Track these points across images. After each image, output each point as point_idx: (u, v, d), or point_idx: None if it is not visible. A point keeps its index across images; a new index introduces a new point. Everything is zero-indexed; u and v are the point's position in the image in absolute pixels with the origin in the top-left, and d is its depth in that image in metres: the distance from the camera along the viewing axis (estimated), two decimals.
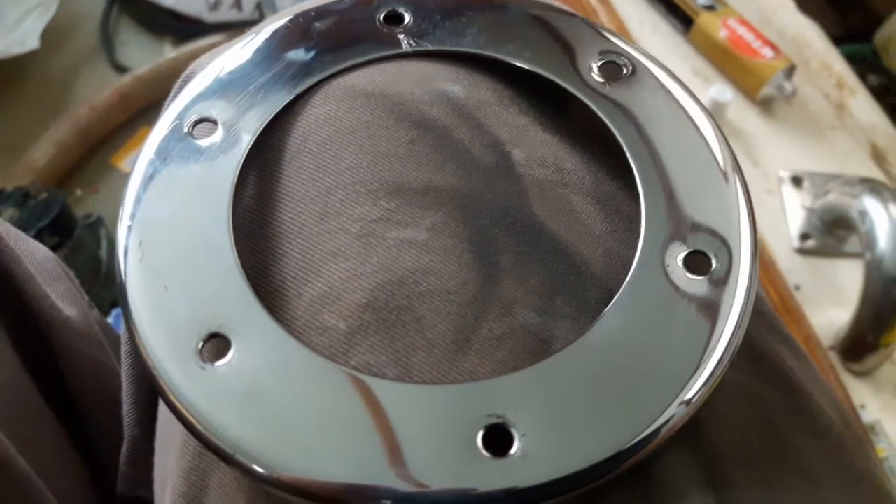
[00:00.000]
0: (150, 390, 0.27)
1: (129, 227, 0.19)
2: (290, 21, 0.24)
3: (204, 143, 0.21)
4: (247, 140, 0.21)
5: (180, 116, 0.21)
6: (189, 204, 0.20)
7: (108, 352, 0.31)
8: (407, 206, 0.20)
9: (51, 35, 1.06)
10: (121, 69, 1.08)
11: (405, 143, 0.22)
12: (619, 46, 0.23)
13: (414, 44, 0.24)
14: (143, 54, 1.11)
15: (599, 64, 0.23)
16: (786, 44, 0.69)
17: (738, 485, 0.19)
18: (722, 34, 0.65)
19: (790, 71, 0.64)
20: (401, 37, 0.24)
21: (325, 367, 0.17)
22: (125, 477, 0.27)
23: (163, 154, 0.21)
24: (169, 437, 0.22)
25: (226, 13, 1.07)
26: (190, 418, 0.16)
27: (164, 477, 0.21)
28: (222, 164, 0.20)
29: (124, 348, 0.27)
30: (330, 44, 0.24)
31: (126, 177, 0.20)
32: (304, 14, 0.24)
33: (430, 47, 0.24)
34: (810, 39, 0.71)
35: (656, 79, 0.22)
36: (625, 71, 0.23)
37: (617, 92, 0.22)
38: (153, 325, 0.18)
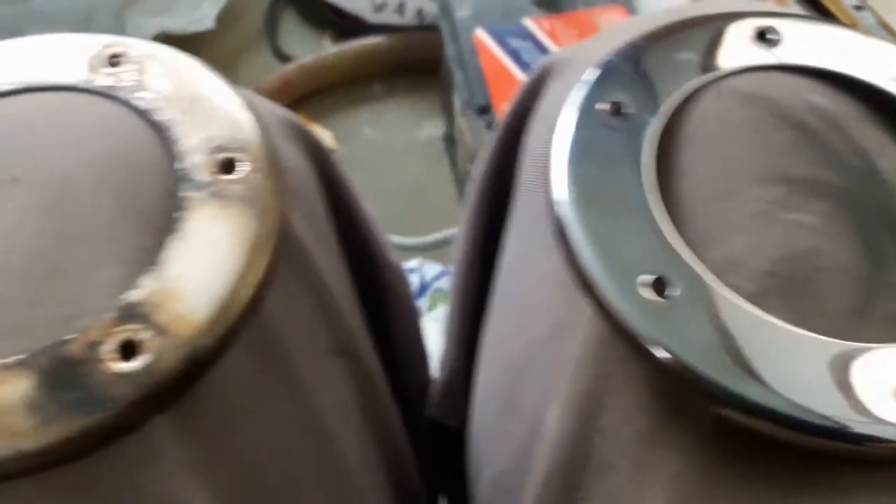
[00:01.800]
0: (472, 330, 0.30)
1: (568, 178, 0.22)
2: (676, 23, 0.27)
3: (618, 122, 0.24)
4: (656, 123, 0.24)
5: (594, 98, 0.24)
6: (613, 171, 0.23)
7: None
8: (797, 194, 0.23)
9: (223, 17, 1.13)
10: (282, 57, 1.14)
11: (788, 140, 0.25)
12: None
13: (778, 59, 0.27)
14: (303, 45, 1.17)
15: None
16: None
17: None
18: None
19: None
20: (769, 51, 0.27)
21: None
22: (438, 405, 0.30)
23: (583, 127, 0.24)
24: (534, 370, 0.25)
25: (388, 16, 1.12)
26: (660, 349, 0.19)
27: (524, 403, 0.24)
28: (635, 141, 0.24)
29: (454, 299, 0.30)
30: (710, 50, 0.27)
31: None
32: (681, 22, 0.27)
33: (796, 62, 0.27)
34: None
35: None
36: None
37: None
38: (599, 265, 0.21)
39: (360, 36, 1.14)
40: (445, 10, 0.88)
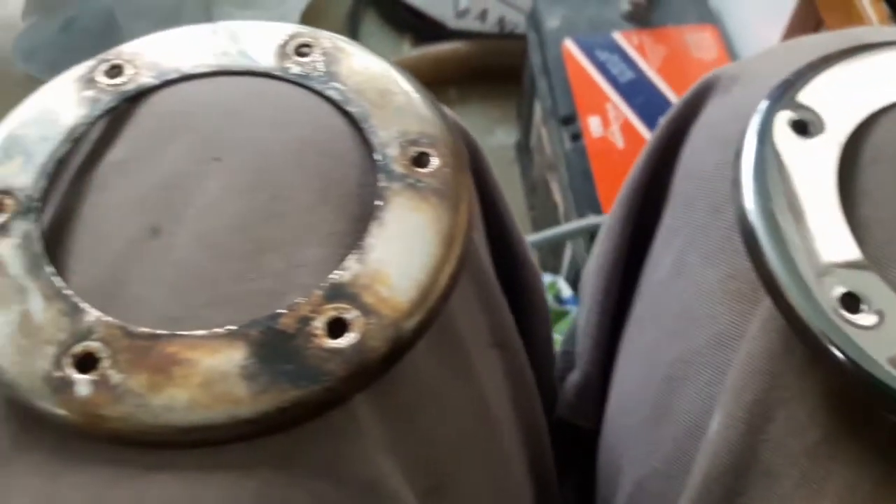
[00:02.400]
0: (611, 335, 0.31)
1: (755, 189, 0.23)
2: (849, 48, 0.27)
3: (801, 140, 0.24)
4: (838, 143, 0.24)
5: (777, 114, 0.24)
6: (798, 186, 0.23)
7: None
8: None
9: (307, 14, 1.15)
10: None
11: None
12: None
13: None
14: (382, 47, 1.19)
15: None
16: None
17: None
18: None
19: None
20: None
21: None
22: (571, 406, 0.31)
23: (767, 142, 0.24)
24: (693, 378, 0.25)
25: (469, 22, 1.14)
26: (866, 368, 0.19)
27: (680, 410, 0.25)
28: (818, 158, 0.24)
29: (597, 296, 0.31)
30: (885, 75, 0.27)
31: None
32: (855, 47, 0.27)
33: None
34: None
35: None
36: None
37: None
38: (790, 274, 0.21)
39: (440, 40, 1.15)
40: (534, 19, 0.89)
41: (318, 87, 0.24)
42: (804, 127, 0.24)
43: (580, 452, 0.33)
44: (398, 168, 0.22)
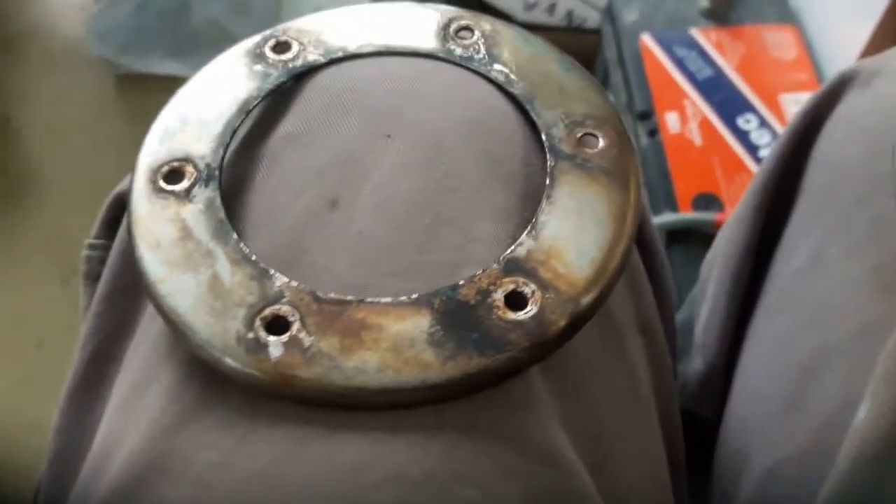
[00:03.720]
0: (737, 327, 0.31)
1: None
2: None
3: None
4: None
5: None
6: None
7: None
8: None
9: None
10: None
11: None
12: None
13: None
14: None
15: None
16: None
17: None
18: None
19: None
20: None
21: None
22: (694, 396, 0.31)
23: None
24: (834, 368, 0.25)
25: (538, 15, 1.14)
26: None
27: (816, 400, 0.25)
28: None
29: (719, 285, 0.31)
30: None
31: None
32: None
33: None
34: None
35: None
36: None
37: None
38: None
39: None
40: (611, 13, 0.89)
41: (481, 69, 0.24)
42: None
43: (695, 446, 0.33)
44: (566, 148, 0.23)
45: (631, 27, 0.86)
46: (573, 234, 0.21)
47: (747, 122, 0.80)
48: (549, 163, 0.22)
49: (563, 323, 0.20)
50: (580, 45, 1.08)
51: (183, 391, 0.21)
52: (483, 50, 0.25)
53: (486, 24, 0.26)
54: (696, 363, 0.32)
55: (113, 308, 0.25)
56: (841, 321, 0.25)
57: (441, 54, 0.25)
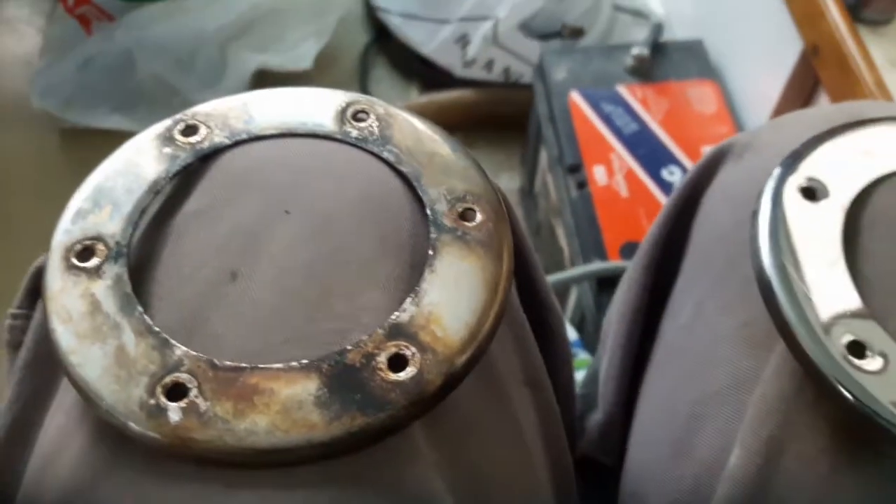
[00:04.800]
0: (633, 378, 0.33)
1: (771, 247, 0.26)
2: (852, 122, 0.30)
3: (810, 204, 0.27)
4: (842, 207, 0.27)
5: (790, 180, 0.27)
6: (808, 244, 0.26)
7: None
8: None
9: (319, 59, 1.19)
10: None
11: None
12: None
13: None
14: (391, 92, 1.23)
15: None
16: None
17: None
18: None
19: None
20: None
21: None
22: (595, 443, 0.34)
23: (781, 204, 0.27)
24: (713, 417, 0.27)
25: (476, 71, 1.18)
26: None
27: (700, 446, 0.27)
28: (825, 220, 0.26)
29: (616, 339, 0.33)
30: (882, 146, 0.30)
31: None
32: (857, 122, 0.30)
33: None
34: None
35: None
36: None
37: None
38: (803, 323, 0.24)
39: (447, 88, 1.19)
40: (541, 71, 0.93)
41: (374, 149, 0.27)
42: (812, 193, 0.27)
43: (598, 489, 0.35)
44: (447, 222, 0.25)
45: (560, 84, 0.90)
46: (451, 300, 0.23)
47: (671, 174, 0.84)
48: (432, 235, 0.25)
49: (439, 382, 0.22)
50: (517, 99, 1.13)
51: (93, 455, 0.22)
52: (377, 132, 0.27)
53: (381, 108, 0.28)
54: (597, 413, 0.34)
55: (33, 376, 0.26)
56: (717, 373, 0.28)
57: (338, 136, 0.27)
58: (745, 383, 0.26)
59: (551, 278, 0.78)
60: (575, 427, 0.36)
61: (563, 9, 1.12)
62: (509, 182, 1.19)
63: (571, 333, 0.79)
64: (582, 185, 0.82)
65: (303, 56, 1.17)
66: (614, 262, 0.77)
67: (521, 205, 1.15)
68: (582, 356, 0.72)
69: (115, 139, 0.26)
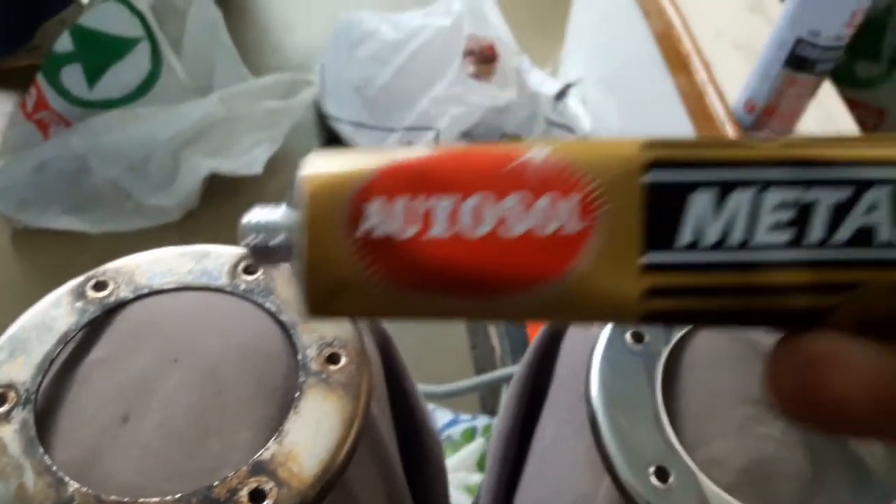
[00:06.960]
0: (508, 490, 0.38)
1: (599, 387, 0.30)
2: None
3: (638, 348, 0.32)
4: (664, 351, 0.32)
5: (621, 328, 0.33)
6: (633, 384, 0.31)
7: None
8: (767, 413, 0.31)
9: (270, 163, 1.25)
10: None
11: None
12: None
13: None
14: None
15: None
16: None
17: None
18: None
19: None
20: None
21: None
22: None
23: (612, 348, 0.32)
24: None
25: None
26: None
27: None
28: (649, 363, 0.32)
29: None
30: None
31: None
32: None
33: None
34: None
35: None
36: None
37: None
38: (620, 454, 0.29)
39: None
40: None
41: (258, 300, 0.31)
42: (639, 337, 0.32)
43: None
44: (314, 366, 0.29)
45: None
46: (310, 439, 0.27)
47: None
48: (300, 379, 0.29)
49: None
50: None
51: None
52: (263, 285, 0.32)
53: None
54: None
55: None
56: (569, 491, 0.32)
57: (228, 289, 0.32)
58: (587, 500, 0.30)
59: (481, 379, 0.82)
60: None
61: (502, 120, 1.19)
62: None
63: None
64: None
65: (254, 161, 1.23)
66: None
67: None
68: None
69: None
